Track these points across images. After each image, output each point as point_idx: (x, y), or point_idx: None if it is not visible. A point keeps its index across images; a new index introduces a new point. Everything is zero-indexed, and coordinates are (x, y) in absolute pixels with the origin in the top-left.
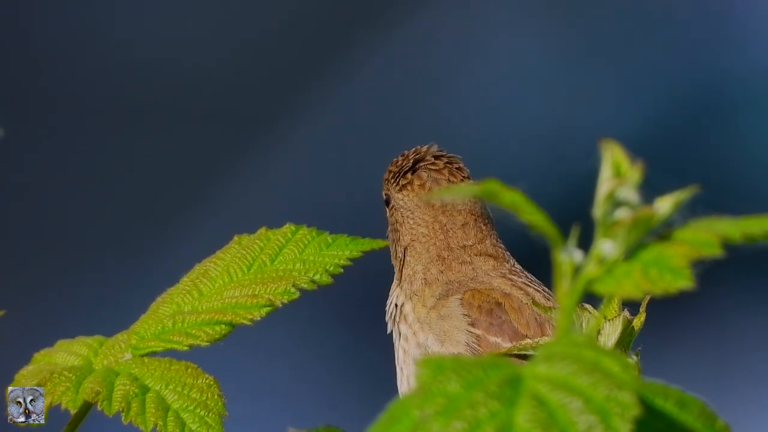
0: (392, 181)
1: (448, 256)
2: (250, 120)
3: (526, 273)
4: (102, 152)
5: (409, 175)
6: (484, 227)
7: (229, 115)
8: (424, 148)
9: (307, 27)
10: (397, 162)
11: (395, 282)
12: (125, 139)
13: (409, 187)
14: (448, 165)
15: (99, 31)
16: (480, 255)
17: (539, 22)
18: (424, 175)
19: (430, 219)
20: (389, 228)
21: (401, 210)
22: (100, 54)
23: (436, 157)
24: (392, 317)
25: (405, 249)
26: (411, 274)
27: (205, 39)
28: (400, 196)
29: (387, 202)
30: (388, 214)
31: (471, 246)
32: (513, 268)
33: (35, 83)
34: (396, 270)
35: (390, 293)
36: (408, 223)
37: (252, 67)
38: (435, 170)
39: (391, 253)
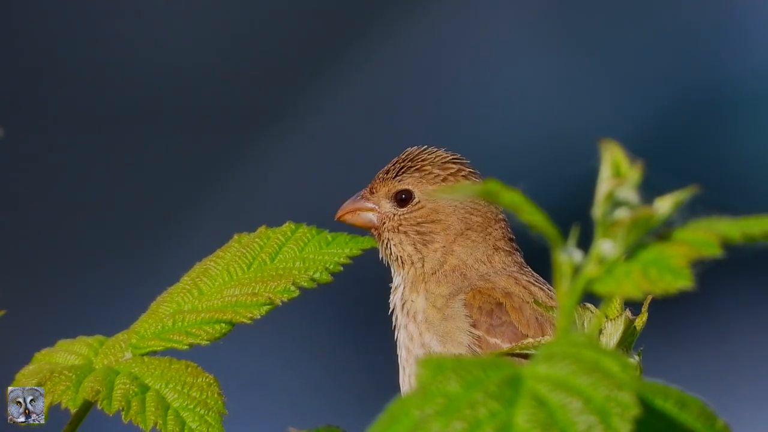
0: (421, 174)
1: (496, 247)
2: (250, 120)
3: (531, 271)
4: (102, 152)
5: (450, 165)
6: (504, 224)
7: (229, 115)
8: (432, 148)
9: (308, 27)
10: (421, 157)
11: (410, 278)
12: (125, 138)
13: (451, 179)
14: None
15: (99, 32)
16: (497, 251)
17: (540, 23)
18: (463, 167)
19: (484, 208)
20: (407, 224)
21: (442, 202)
22: (100, 54)
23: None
24: (404, 313)
25: (454, 238)
26: (449, 268)
27: (205, 39)
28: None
29: (402, 199)
30: (404, 211)
31: (498, 240)
32: (523, 268)
33: (35, 84)
34: (417, 266)
35: (396, 288)
36: (459, 212)
37: (252, 67)
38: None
39: (406, 252)
